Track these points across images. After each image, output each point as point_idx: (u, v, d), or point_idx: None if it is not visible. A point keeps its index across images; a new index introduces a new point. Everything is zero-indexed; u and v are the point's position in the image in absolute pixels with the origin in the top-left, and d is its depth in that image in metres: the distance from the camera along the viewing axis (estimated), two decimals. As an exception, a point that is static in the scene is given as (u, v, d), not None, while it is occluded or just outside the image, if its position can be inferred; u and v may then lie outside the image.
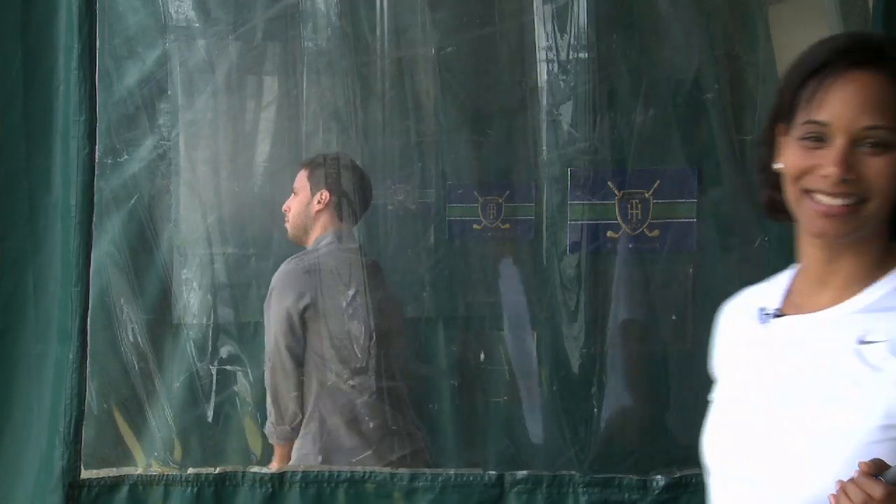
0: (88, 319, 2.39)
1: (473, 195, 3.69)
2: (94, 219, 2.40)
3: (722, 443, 1.62)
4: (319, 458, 2.90)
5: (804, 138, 1.52)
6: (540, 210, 3.58)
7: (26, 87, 2.40)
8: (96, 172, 2.41)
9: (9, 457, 2.44)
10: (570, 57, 3.16)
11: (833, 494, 1.40)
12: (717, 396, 1.68)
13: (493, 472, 2.41)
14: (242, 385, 2.94)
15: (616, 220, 3.41)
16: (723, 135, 3.02)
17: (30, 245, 2.41)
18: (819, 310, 1.59)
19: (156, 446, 2.67)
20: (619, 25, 3.07)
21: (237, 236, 3.14)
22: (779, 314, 1.62)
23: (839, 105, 1.50)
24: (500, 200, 3.69)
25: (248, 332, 3.11)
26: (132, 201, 2.71)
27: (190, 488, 2.42)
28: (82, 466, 2.39)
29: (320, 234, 3.02)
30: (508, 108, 3.55)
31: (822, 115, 1.51)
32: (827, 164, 1.49)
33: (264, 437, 2.98)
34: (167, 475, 2.44)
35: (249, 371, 3.01)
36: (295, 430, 2.92)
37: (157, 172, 2.78)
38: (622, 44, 3.08)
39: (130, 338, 2.67)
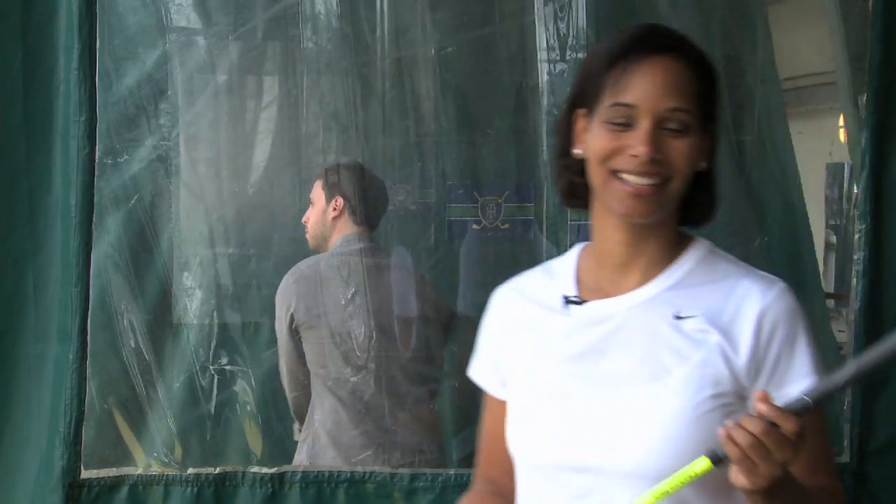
0: (88, 320, 2.39)
1: (473, 195, 3.69)
2: (94, 219, 2.40)
3: (548, 435, 1.60)
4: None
5: (610, 122, 1.57)
6: (540, 210, 3.59)
7: (26, 88, 2.40)
8: (96, 173, 2.41)
9: (9, 457, 2.44)
10: (570, 57, 3.16)
11: (722, 427, 1.41)
12: (520, 387, 1.67)
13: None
14: (242, 385, 2.94)
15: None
16: (721, 135, 3.02)
17: (30, 245, 2.41)
18: (627, 291, 1.63)
19: (156, 446, 2.67)
20: (619, 25, 3.07)
21: (238, 236, 3.14)
22: (583, 301, 1.64)
23: (645, 87, 1.55)
24: (500, 201, 3.70)
25: (249, 333, 3.12)
26: (132, 201, 2.71)
27: (190, 488, 2.42)
28: (82, 466, 2.39)
29: (337, 239, 3.06)
30: (508, 108, 3.55)
31: (629, 97, 1.55)
32: (636, 144, 1.54)
33: (264, 437, 2.98)
34: (167, 475, 2.44)
35: (249, 371, 3.02)
36: None
37: (158, 173, 2.78)
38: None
39: (130, 338, 2.67)
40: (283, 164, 3.22)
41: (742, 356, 1.57)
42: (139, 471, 2.47)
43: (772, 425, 1.39)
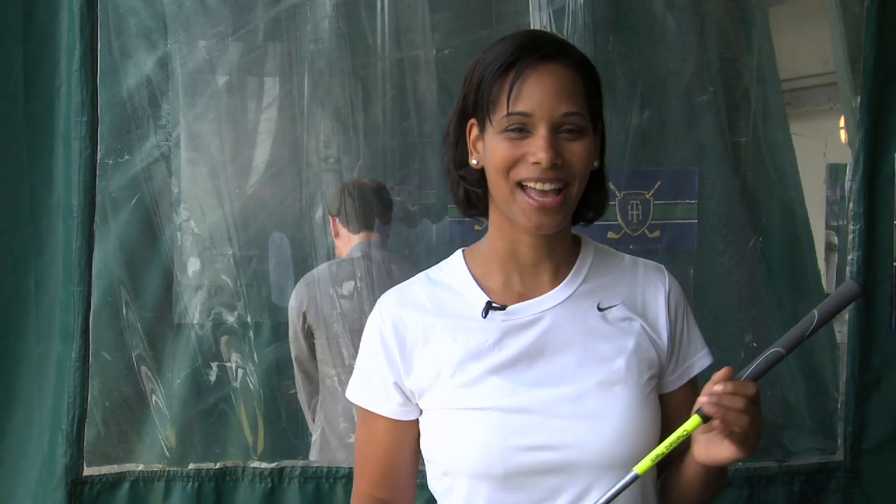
0: (90, 319, 2.41)
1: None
2: (95, 219, 2.41)
3: (506, 443, 1.60)
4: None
5: (508, 130, 1.59)
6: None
7: (28, 88, 2.42)
8: (98, 173, 2.42)
9: (11, 455, 2.45)
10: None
11: (701, 402, 1.48)
12: (451, 402, 1.64)
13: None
14: (243, 383, 2.94)
15: (616, 220, 3.42)
16: (721, 136, 3.03)
17: (32, 245, 2.42)
18: (545, 291, 1.67)
19: (157, 443, 2.68)
20: (616, 28, 3.08)
21: (239, 236, 3.14)
22: (504, 306, 1.65)
23: (538, 95, 1.58)
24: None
25: (250, 331, 3.12)
26: (133, 201, 2.72)
27: (191, 484, 2.44)
28: (84, 464, 2.40)
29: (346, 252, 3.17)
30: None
31: (523, 105, 1.58)
32: (536, 151, 1.57)
33: (264, 433, 2.99)
34: (168, 471, 2.46)
35: (250, 369, 3.02)
36: None
37: (159, 173, 2.79)
38: (619, 46, 3.09)
39: (132, 337, 2.68)
40: (283, 164, 3.22)
41: (664, 337, 1.67)
42: (141, 467, 2.48)
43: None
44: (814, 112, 5.31)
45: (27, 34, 2.40)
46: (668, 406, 1.68)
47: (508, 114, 1.58)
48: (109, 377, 2.63)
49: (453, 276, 1.72)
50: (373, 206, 3.19)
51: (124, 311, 2.68)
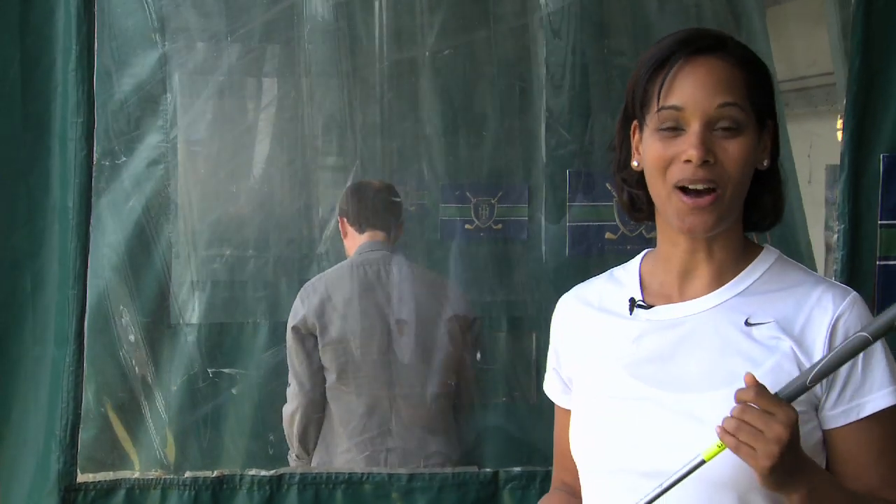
0: (86, 322, 2.39)
1: (466, 196, 3.70)
2: (91, 221, 2.39)
3: (616, 439, 1.59)
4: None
5: (661, 129, 1.55)
6: (532, 211, 3.59)
7: (24, 89, 2.40)
8: (94, 174, 2.40)
9: (6, 460, 2.43)
10: (565, 60, 3.17)
11: (719, 427, 1.43)
12: (586, 392, 1.66)
13: (489, 470, 2.42)
14: (240, 387, 2.94)
15: (615, 221, 3.42)
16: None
17: (28, 247, 2.40)
18: (694, 297, 1.62)
19: (153, 449, 2.66)
20: (615, 28, 3.07)
21: (235, 238, 3.14)
22: (650, 305, 1.63)
23: (690, 88, 1.53)
24: (493, 201, 3.71)
25: (247, 334, 3.12)
26: (130, 203, 2.71)
27: (187, 492, 2.42)
28: (78, 470, 2.38)
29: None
30: (503, 110, 3.55)
31: (675, 99, 1.53)
32: (687, 148, 1.51)
33: (262, 439, 2.99)
34: (164, 479, 2.44)
35: (247, 372, 3.02)
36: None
37: (156, 174, 2.78)
38: (614, 48, 3.09)
39: (128, 340, 2.67)
40: (281, 165, 3.22)
41: None
42: (136, 474, 2.46)
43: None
44: (819, 113, 5.31)
45: (24, 34, 2.38)
46: (834, 442, 1.57)
47: (659, 109, 1.54)
48: (105, 382, 2.62)
49: (628, 272, 1.72)
50: (379, 206, 3.18)
51: (121, 314, 2.67)
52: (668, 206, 1.56)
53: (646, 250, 1.73)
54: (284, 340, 3.08)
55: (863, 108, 2.40)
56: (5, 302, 2.41)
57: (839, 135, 3.14)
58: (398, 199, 3.24)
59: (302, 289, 3.09)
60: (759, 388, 1.42)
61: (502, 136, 3.54)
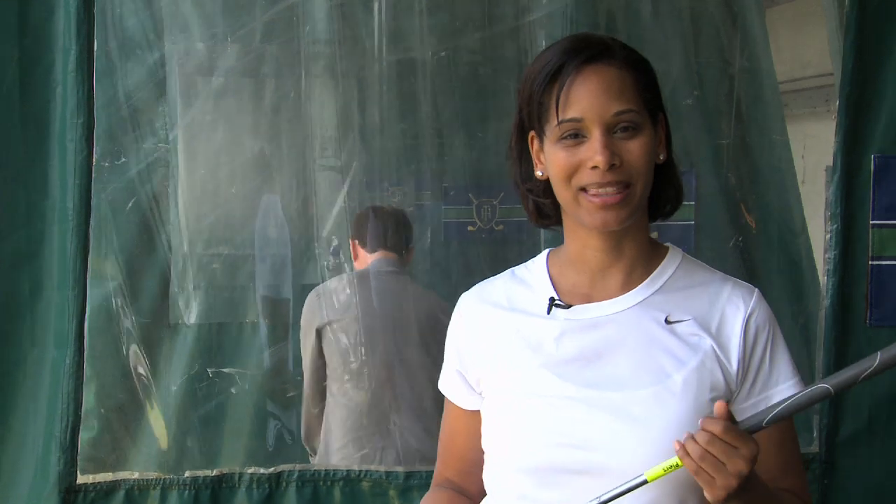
0: (85, 323, 2.38)
1: (468, 197, 3.70)
2: (91, 222, 2.39)
3: (547, 438, 1.60)
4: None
5: (563, 138, 1.58)
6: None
7: (23, 89, 2.39)
8: (94, 175, 2.40)
9: (5, 461, 2.43)
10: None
11: (677, 440, 1.47)
12: (503, 393, 1.67)
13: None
14: (240, 387, 2.93)
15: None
16: (720, 137, 3.03)
17: (27, 248, 2.40)
18: (612, 295, 1.65)
19: (153, 450, 2.66)
20: (616, 28, 3.07)
21: (235, 238, 3.14)
22: (569, 305, 1.65)
23: (586, 98, 1.57)
24: (495, 202, 3.71)
25: (247, 334, 3.11)
26: (130, 204, 2.70)
27: (187, 491, 2.42)
28: (78, 471, 2.38)
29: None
30: (503, 111, 3.55)
31: (573, 111, 1.57)
32: (592, 155, 1.55)
33: (261, 438, 2.99)
34: (164, 479, 2.44)
35: (247, 372, 3.01)
36: None
37: (156, 175, 2.77)
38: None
39: (127, 341, 2.66)
40: (280, 165, 3.22)
41: (733, 362, 1.62)
42: (136, 475, 2.46)
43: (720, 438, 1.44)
44: (815, 113, 5.32)
45: (22, 34, 2.38)
46: None
47: (559, 122, 1.58)
48: (104, 383, 2.61)
49: (533, 272, 1.74)
50: (391, 230, 3.27)
51: (120, 315, 2.66)
52: (578, 207, 1.60)
53: (547, 250, 1.76)
54: (284, 340, 3.10)
55: (855, 108, 2.43)
56: (5, 303, 2.40)
57: (837, 136, 3.14)
58: (409, 224, 3.31)
59: (312, 292, 3.17)
60: (727, 423, 1.45)
61: (503, 137, 3.54)
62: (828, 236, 2.45)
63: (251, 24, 2.95)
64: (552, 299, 1.66)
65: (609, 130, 1.57)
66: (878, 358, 1.44)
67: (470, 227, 3.71)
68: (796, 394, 1.49)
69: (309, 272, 3.26)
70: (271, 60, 3.12)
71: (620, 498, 1.52)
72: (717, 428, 1.44)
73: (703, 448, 1.44)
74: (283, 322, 3.18)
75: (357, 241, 3.25)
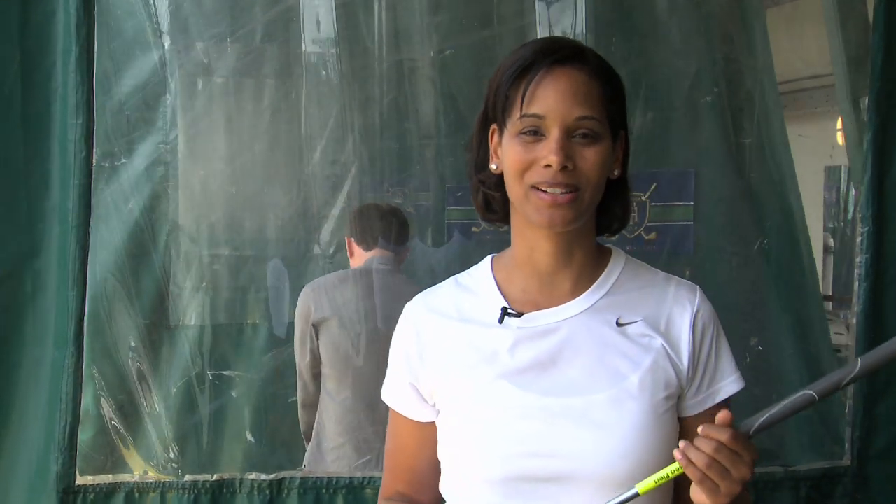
0: (85, 324, 2.38)
1: (470, 198, 3.69)
2: (91, 222, 2.39)
3: (510, 448, 1.60)
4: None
5: (522, 133, 1.59)
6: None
7: (24, 90, 2.39)
8: (94, 176, 2.39)
9: (5, 462, 2.43)
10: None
11: (678, 449, 1.47)
12: (460, 405, 1.66)
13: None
14: (240, 389, 2.92)
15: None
16: (721, 138, 3.02)
17: (27, 249, 2.40)
18: (563, 301, 1.66)
19: (152, 452, 2.65)
20: (618, 29, 3.07)
21: (235, 239, 3.13)
22: (520, 313, 1.65)
23: (552, 97, 1.58)
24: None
25: (246, 335, 3.11)
26: (130, 204, 2.70)
27: (187, 495, 2.41)
28: (77, 473, 2.38)
29: None
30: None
31: (537, 107, 1.58)
32: (547, 153, 1.56)
33: (262, 442, 2.98)
34: (164, 482, 2.43)
35: (247, 375, 3.00)
36: None
37: (155, 176, 2.77)
38: (621, 47, 3.08)
39: (127, 342, 2.66)
40: (281, 166, 3.21)
41: (684, 359, 1.65)
42: (135, 478, 2.46)
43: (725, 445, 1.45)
44: (814, 114, 5.31)
45: (24, 35, 2.38)
46: (690, 429, 1.64)
47: (522, 116, 1.58)
48: (104, 384, 2.61)
49: (478, 280, 1.73)
50: (387, 228, 3.25)
51: (120, 315, 2.66)
52: (527, 204, 1.60)
53: (490, 256, 1.76)
54: (284, 342, 3.09)
55: (885, 106, 2.38)
56: (5, 304, 2.40)
57: (839, 136, 3.13)
58: (406, 223, 3.30)
59: (307, 285, 3.14)
60: (734, 431, 1.46)
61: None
62: (859, 239, 2.41)
63: (251, 24, 2.95)
64: (504, 308, 1.66)
65: (568, 133, 1.57)
66: (858, 364, 1.46)
67: (474, 229, 3.70)
68: (782, 402, 1.50)
69: (309, 273, 3.25)
70: (271, 60, 3.11)
71: None
72: (724, 436, 1.45)
73: (711, 456, 1.45)
74: (284, 324, 3.17)
75: (353, 239, 3.24)
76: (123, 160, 2.66)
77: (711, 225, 3.13)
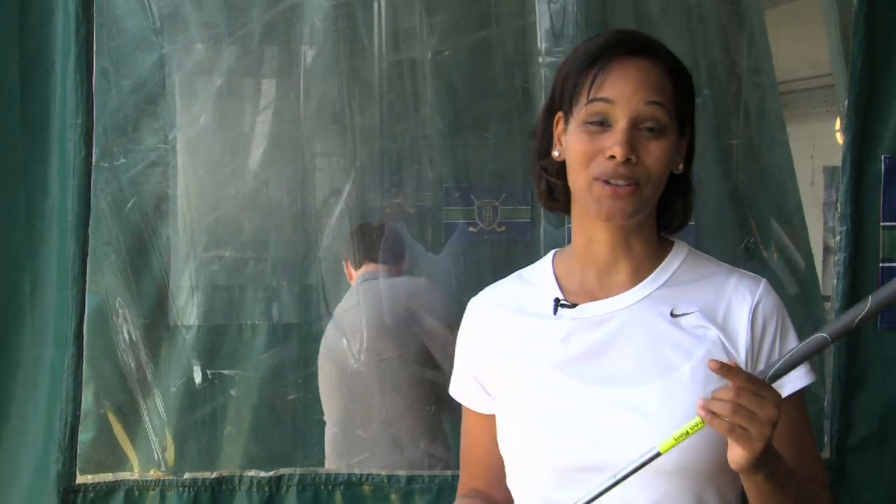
0: (85, 323, 2.38)
1: (469, 198, 3.69)
2: (90, 222, 2.39)
3: (562, 438, 1.61)
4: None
5: (588, 122, 1.59)
6: (535, 213, 3.58)
7: (23, 90, 2.40)
8: (93, 176, 2.40)
9: (5, 461, 2.43)
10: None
11: (700, 405, 1.45)
12: (516, 395, 1.67)
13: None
14: (240, 388, 2.93)
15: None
16: (710, 139, 3.02)
17: (26, 249, 2.40)
18: (618, 292, 1.66)
19: (152, 451, 2.66)
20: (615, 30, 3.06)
21: (235, 239, 3.13)
22: (574, 304, 1.66)
23: (622, 83, 1.57)
24: (496, 203, 3.70)
25: (246, 336, 3.11)
26: (129, 204, 2.70)
27: (186, 493, 2.42)
28: (77, 471, 2.38)
29: None
30: (505, 111, 3.55)
31: (606, 92, 1.58)
32: (612, 145, 1.56)
33: (261, 440, 2.98)
34: (163, 480, 2.44)
35: (246, 374, 3.01)
36: None
37: (155, 176, 2.77)
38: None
39: (127, 342, 2.66)
40: (280, 166, 3.21)
41: (741, 351, 1.62)
42: (135, 476, 2.46)
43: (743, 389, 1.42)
44: (802, 115, 5.32)
45: (23, 35, 2.38)
46: None
47: (589, 101, 1.58)
48: (104, 383, 2.61)
49: (539, 272, 1.75)
50: (377, 244, 3.28)
51: (120, 315, 2.66)
52: (588, 194, 1.60)
53: (553, 251, 1.77)
54: (284, 342, 3.09)
55: (864, 109, 2.41)
56: (4, 303, 2.41)
57: (838, 136, 3.14)
58: (399, 237, 3.31)
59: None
60: (747, 372, 1.45)
61: (504, 138, 3.53)
62: (837, 238, 2.44)
63: (251, 24, 2.94)
64: (557, 300, 1.67)
65: (635, 124, 1.57)
66: (869, 301, 1.45)
67: (472, 229, 3.70)
68: (795, 347, 1.48)
69: (309, 273, 3.25)
70: (270, 60, 3.11)
71: (638, 495, 1.54)
72: (739, 380, 1.43)
73: (734, 401, 1.42)
74: (283, 324, 3.17)
75: (349, 261, 3.26)
76: (123, 160, 2.66)
77: (701, 225, 3.13)
